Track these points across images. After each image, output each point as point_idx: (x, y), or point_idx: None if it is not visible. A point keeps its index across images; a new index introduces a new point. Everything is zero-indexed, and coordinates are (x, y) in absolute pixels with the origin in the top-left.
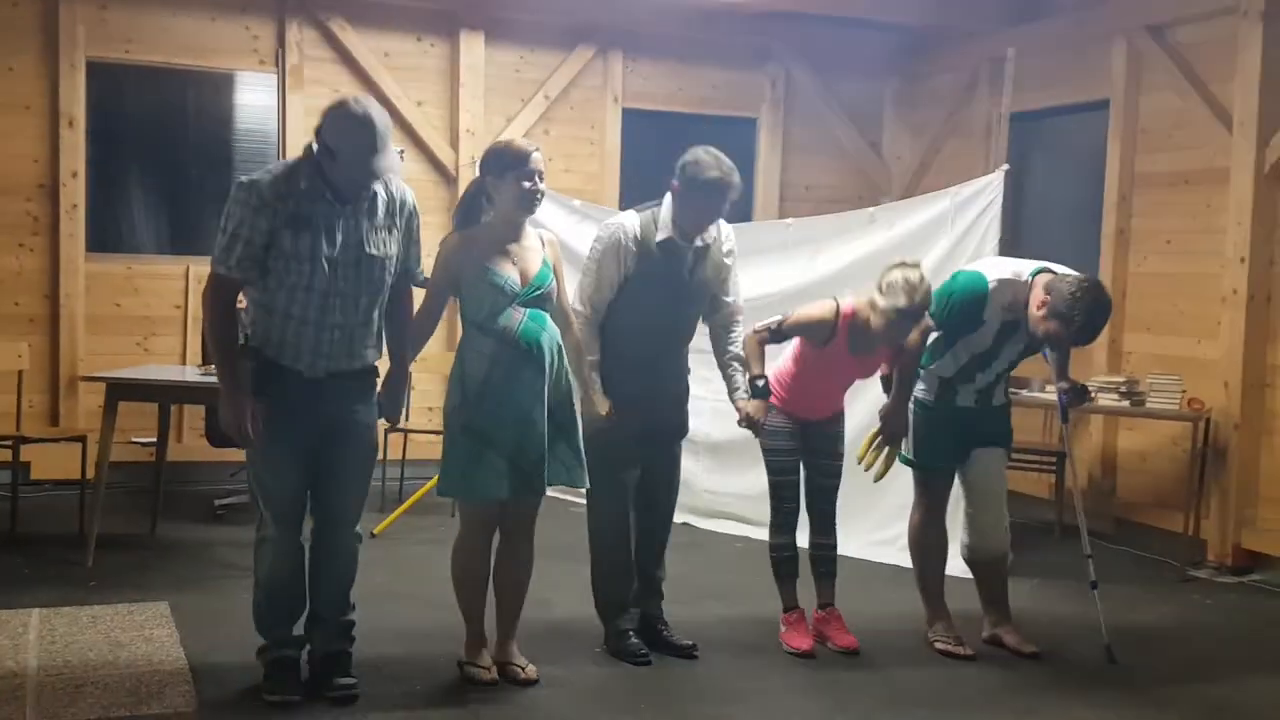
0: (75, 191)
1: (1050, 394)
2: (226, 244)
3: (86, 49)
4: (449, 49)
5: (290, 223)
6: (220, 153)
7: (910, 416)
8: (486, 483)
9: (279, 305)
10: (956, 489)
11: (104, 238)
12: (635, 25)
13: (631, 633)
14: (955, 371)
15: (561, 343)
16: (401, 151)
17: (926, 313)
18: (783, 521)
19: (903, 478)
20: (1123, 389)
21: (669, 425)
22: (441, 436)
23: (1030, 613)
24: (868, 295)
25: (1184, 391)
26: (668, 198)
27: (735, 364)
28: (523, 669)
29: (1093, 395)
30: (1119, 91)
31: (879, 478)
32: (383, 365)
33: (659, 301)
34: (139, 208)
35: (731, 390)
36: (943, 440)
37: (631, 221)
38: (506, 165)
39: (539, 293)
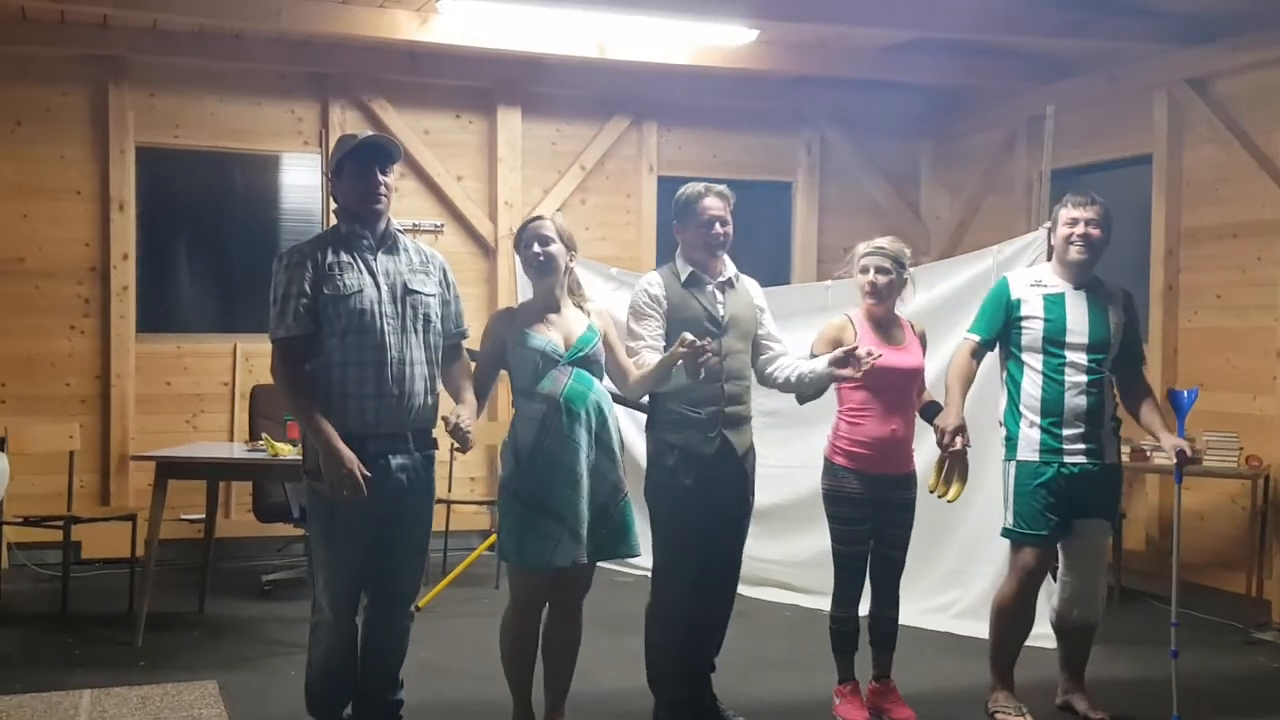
0: (126, 273)
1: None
2: (279, 310)
3: (136, 135)
4: (486, 125)
5: (333, 269)
6: (266, 232)
7: (1011, 483)
8: (538, 549)
9: (335, 357)
10: None
11: (153, 318)
12: (668, 95)
13: (683, 708)
14: (1041, 385)
15: (612, 405)
16: (441, 225)
17: (892, 255)
18: (846, 595)
19: (952, 544)
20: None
21: (733, 486)
22: (493, 507)
23: (1092, 677)
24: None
25: (1241, 449)
26: (678, 249)
27: (796, 363)
28: None
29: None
30: (1161, 146)
31: (954, 499)
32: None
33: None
34: (187, 288)
35: (810, 368)
36: (1046, 507)
37: (652, 275)
38: (519, 238)
39: (582, 354)
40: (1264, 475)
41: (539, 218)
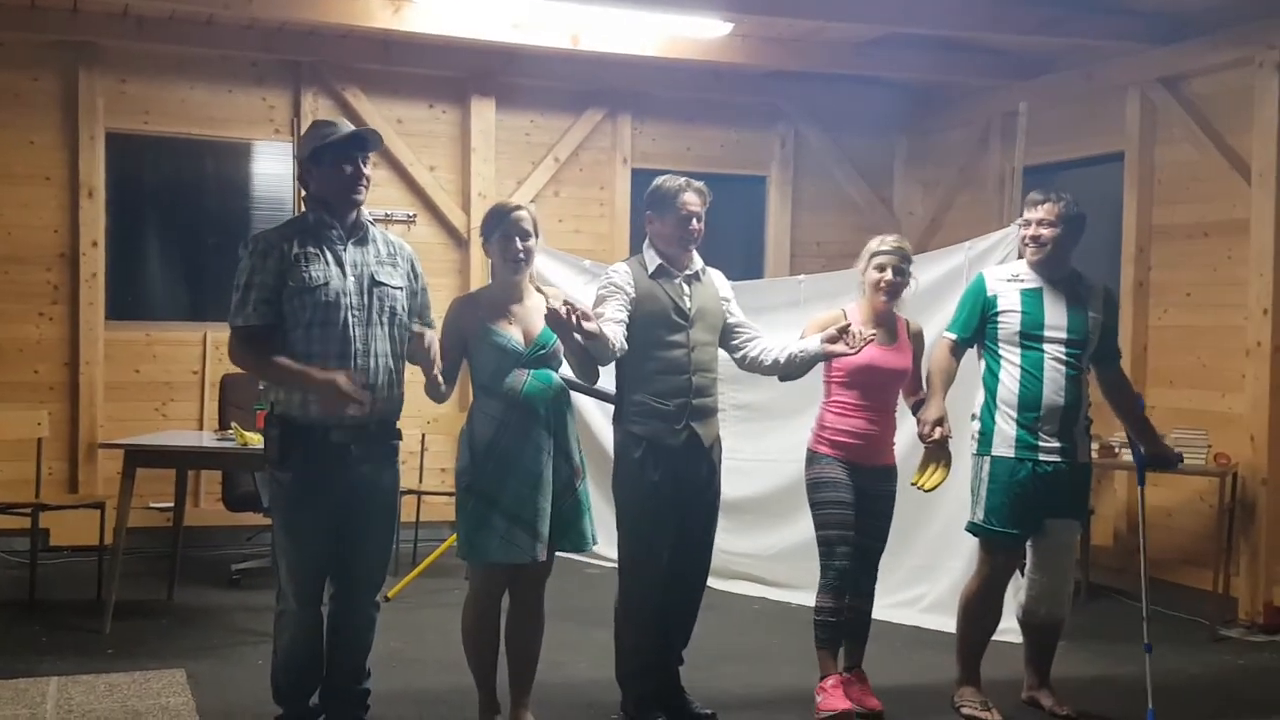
0: (95, 260)
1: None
2: (240, 298)
3: (106, 121)
4: (460, 115)
5: (299, 259)
6: (237, 220)
7: (984, 479)
8: (489, 546)
9: (299, 349)
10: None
11: (123, 305)
12: (643, 87)
13: (651, 701)
14: (1019, 380)
15: (570, 401)
16: (414, 216)
17: (907, 256)
18: (834, 582)
19: (921, 538)
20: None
21: (700, 480)
22: (454, 498)
23: (1059, 673)
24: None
25: (1210, 446)
26: (647, 240)
27: (785, 343)
28: None
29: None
30: (1134, 144)
31: (932, 489)
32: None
33: (671, 334)
34: (157, 275)
35: (802, 348)
36: (1019, 505)
37: (619, 266)
38: (494, 226)
39: (543, 352)
40: (1232, 473)
41: (518, 207)
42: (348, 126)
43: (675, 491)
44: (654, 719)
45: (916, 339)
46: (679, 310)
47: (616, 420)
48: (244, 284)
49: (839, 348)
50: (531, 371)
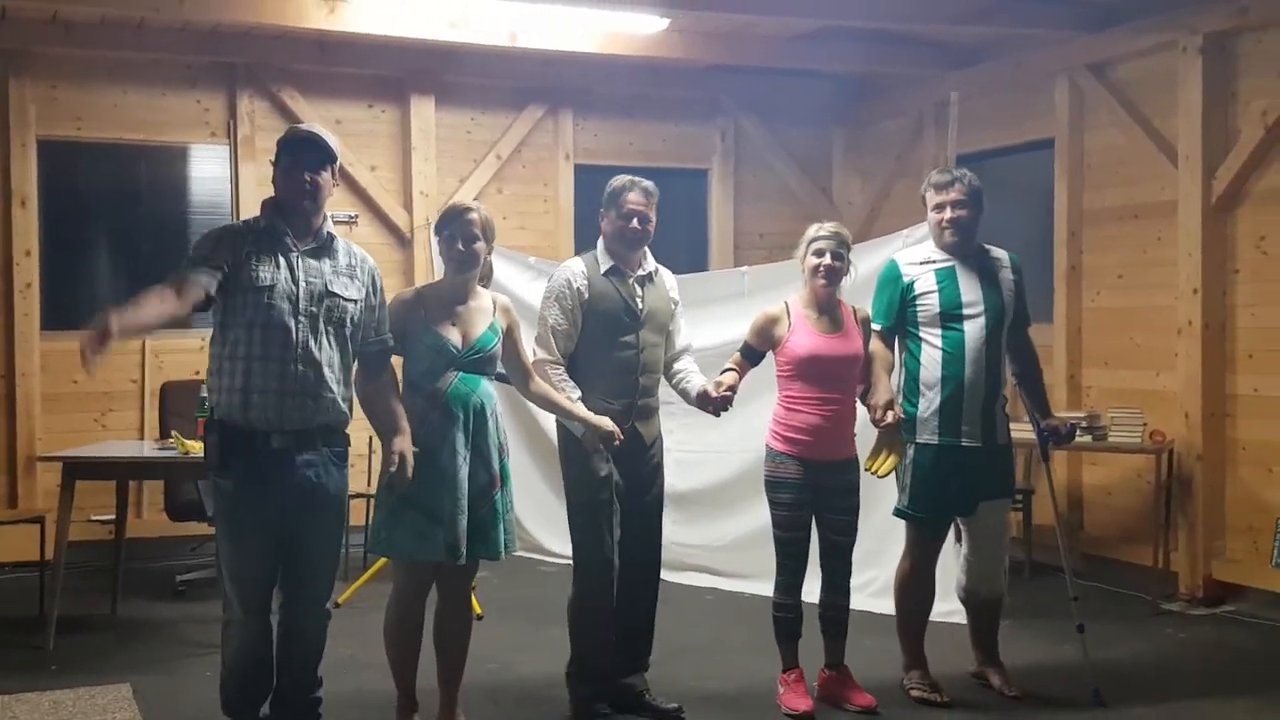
0: (29, 270)
1: (1027, 431)
2: (186, 263)
3: (38, 128)
4: (400, 114)
5: (249, 257)
6: (175, 225)
7: (909, 465)
8: (404, 543)
9: (240, 348)
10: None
11: (59, 315)
12: (584, 83)
13: (597, 697)
14: (940, 362)
15: (497, 408)
16: (355, 216)
17: (845, 241)
18: (789, 580)
19: (869, 523)
20: (1084, 424)
21: (644, 477)
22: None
23: (1006, 654)
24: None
25: (1145, 424)
26: (600, 237)
27: (688, 378)
28: None
29: (1078, 434)
30: (1063, 130)
31: (886, 474)
32: (354, 435)
33: (622, 335)
34: (94, 284)
35: (690, 388)
36: (943, 491)
37: (575, 263)
38: (445, 224)
39: (477, 356)
40: (1168, 450)
41: (468, 209)
42: (326, 136)
43: (623, 487)
44: (597, 712)
45: (865, 325)
46: (630, 311)
47: (560, 420)
48: (191, 255)
49: (705, 409)
50: (460, 374)
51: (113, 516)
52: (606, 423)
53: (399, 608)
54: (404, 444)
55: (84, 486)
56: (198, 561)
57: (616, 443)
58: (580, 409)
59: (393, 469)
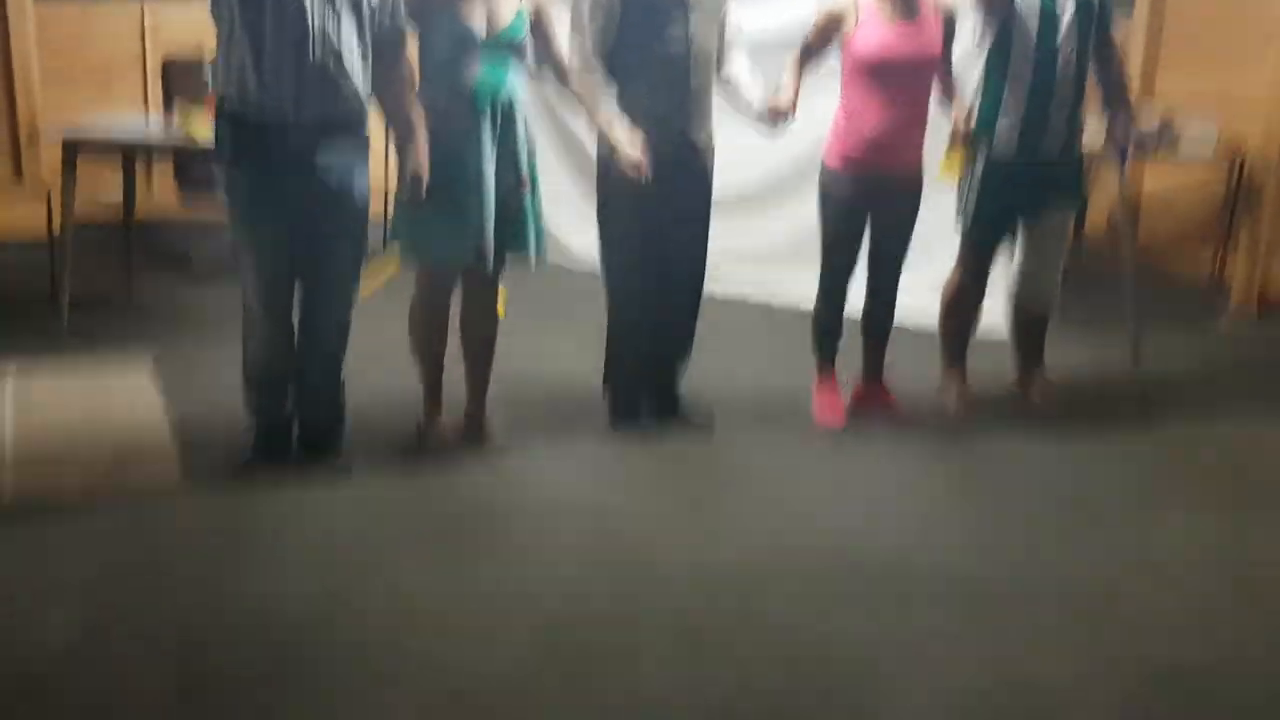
0: None
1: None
2: None
3: None
4: None
5: None
6: None
7: (976, 183)
8: (429, 247)
9: (253, 31)
10: None
11: None
12: None
13: (638, 405)
14: (1034, 62)
15: (525, 102)
16: None
17: None
18: (832, 286)
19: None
20: (1157, 132)
21: (693, 194)
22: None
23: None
24: None
25: (1219, 130)
26: None
27: (742, 85)
28: (489, 435)
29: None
30: None
31: (947, 178)
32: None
33: (664, 27)
34: None
35: (750, 98)
36: (1008, 208)
37: None
38: None
39: (505, 44)
40: (1240, 159)
41: None
42: None
43: (664, 199)
44: (638, 422)
45: (947, 21)
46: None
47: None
48: None
49: (764, 121)
50: (486, 65)
51: (119, 199)
52: (635, 152)
53: (425, 308)
54: (420, 156)
55: (93, 165)
56: (217, 242)
57: (642, 177)
58: (615, 128)
59: (410, 180)
